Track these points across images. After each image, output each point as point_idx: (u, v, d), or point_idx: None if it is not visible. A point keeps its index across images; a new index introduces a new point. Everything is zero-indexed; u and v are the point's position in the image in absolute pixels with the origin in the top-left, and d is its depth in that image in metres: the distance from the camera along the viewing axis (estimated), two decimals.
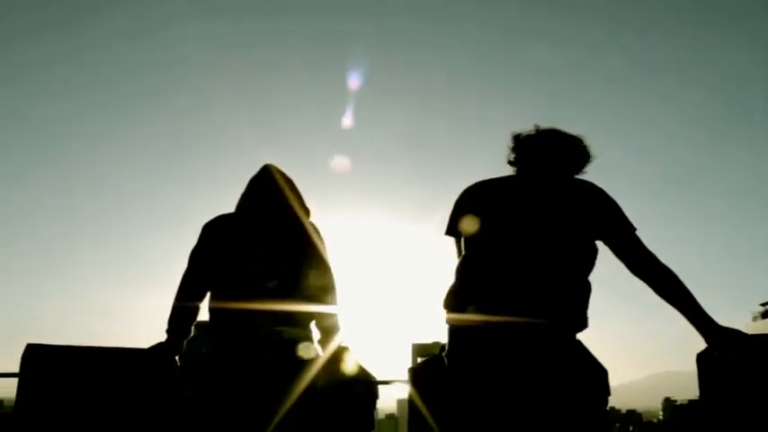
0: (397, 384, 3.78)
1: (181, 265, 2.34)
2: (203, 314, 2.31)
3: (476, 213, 1.91)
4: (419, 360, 2.52)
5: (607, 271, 1.87)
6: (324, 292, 2.35)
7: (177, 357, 2.24)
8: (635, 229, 1.84)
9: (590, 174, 1.95)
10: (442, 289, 2.00)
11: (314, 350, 2.27)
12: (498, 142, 2.08)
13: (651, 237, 1.85)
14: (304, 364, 2.20)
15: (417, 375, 2.18)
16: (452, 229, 2.00)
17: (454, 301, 1.89)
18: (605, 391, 1.79)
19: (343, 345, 2.33)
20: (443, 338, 2.03)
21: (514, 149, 1.99)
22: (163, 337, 2.24)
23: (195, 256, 2.33)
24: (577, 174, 1.94)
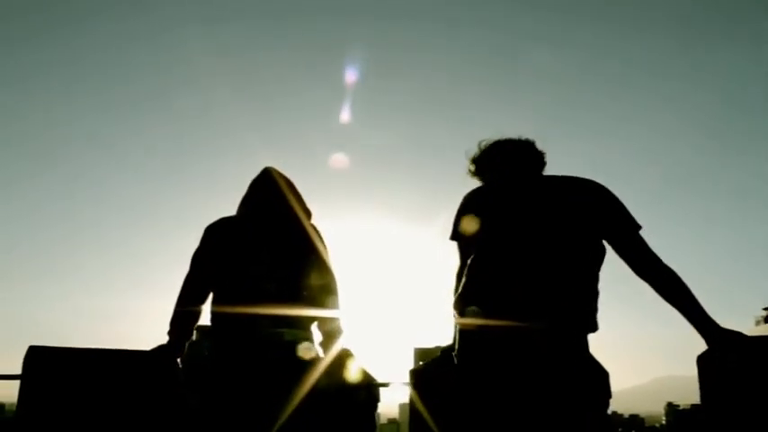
0: (398, 388, 3.76)
1: (182, 268, 2.35)
2: (205, 317, 2.32)
3: (480, 216, 1.91)
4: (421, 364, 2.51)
5: (610, 274, 1.86)
6: (326, 294, 2.35)
7: (179, 359, 2.24)
8: (640, 228, 1.84)
9: (590, 174, 1.95)
10: (444, 293, 2.00)
11: (314, 351, 2.27)
12: None
13: (652, 239, 1.85)
14: (306, 365, 2.20)
15: (418, 377, 2.18)
16: (457, 234, 2.00)
17: (463, 303, 1.90)
18: (606, 392, 1.79)
19: (345, 348, 2.32)
20: (445, 342, 2.03)
21: (483, 160, 2.05)
22: (164, 339, 2.25)
23: (197, 258, 2.34)
24: (540, 173, 1.99)
